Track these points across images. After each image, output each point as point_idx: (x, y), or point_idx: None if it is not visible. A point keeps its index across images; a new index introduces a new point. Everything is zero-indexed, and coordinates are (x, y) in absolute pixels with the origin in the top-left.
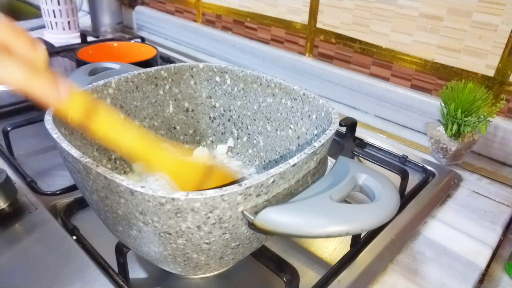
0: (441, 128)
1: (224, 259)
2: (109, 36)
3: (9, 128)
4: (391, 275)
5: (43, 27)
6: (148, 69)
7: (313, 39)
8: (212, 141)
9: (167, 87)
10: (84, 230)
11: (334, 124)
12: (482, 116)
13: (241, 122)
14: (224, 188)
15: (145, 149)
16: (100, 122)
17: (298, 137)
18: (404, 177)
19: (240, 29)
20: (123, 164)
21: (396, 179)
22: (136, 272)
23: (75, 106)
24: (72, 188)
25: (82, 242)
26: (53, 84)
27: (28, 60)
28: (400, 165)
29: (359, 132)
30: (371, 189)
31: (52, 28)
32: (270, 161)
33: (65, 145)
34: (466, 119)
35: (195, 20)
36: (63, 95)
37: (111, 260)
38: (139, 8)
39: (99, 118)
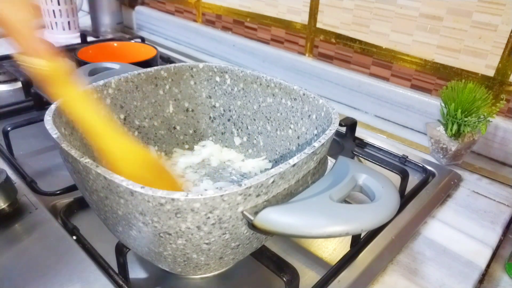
0: (441, 128)
1: (224, 259)
2: (109, 36)
3: (9, 128)
4: (391, 275)
5: (43, 27)
6: (148, 69)
7: (313, 39)
8: (212, 141)
9: (167, 87)
10: (84, 230)
11: (334, 124)
12: (482, 116)
13: (241, 122)
14: (224, 189)
15: (100, 128)
16: (65, 92)
17: (298, 137)
18: (404, 177)
19: (240, 29)
20: None
21: (396, 179)
22: (136, 272)
23: (49, 67)
24: (72, 188)
25: (82, 242)
26: (39, 39)
27: (28, 11)
28: (400, 165)
29: (359, 132)
30: (371, 189)
31: (52, 28)
32: (270, 161)
33: (65, 145)
34: (466, 119)
35: (195, 20)
36: (42, 48)
37: (111, 260)
38: (139, 8)
39: (65, 88)
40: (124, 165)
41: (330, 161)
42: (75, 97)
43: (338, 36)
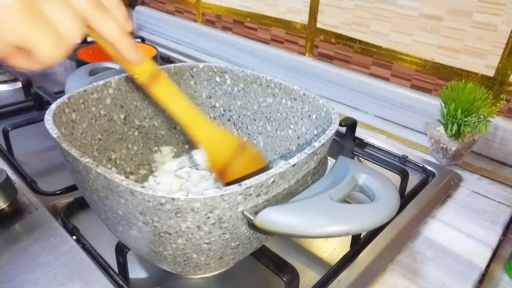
0: (441, 128)
1: (224, 259)
2: None
3: (9, 128)
4: (391, 275)
5: None
6: None
7: (313, 39)
8: None
9: None
10: (84, 230)
11: (334, 124)
12: (482, 116)
13: (241, 122)
14: (224, 188)
15: (189, 117)
16: (159, 88)
17: (298, 137)
18: (404, 177)
19: (240, 29)
20: (123, 164)
21: (396, 179)
22: (136, 272)
23: (145, 69)
24: (72, 188)
25: (82, 242)
26: (136, 46)
27: (119, 21)
28: (400, 165)
29: (359, 132)
30: (371, 189)
31: None
32: (270, 161)
33: (65, 145)
34: (466, 119)
35: (195, 20)
36: (140, 56)
37: (111, 260)
38: (139, 8)
39: (159, 84)
40: (212, 144)
41: (330, 161)
42: (171, 91)
43: (338, 36)
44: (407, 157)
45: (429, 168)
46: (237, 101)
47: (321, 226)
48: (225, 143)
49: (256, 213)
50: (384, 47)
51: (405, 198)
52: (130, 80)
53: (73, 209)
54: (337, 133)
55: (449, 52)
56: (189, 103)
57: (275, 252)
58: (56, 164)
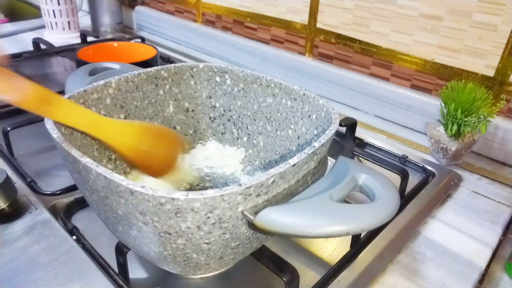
0: (441, 128)
1: (224, 259)
2: (109, 36)
3: (9, 128)
4: (391, 275)
5: (43, 27)
6: (148, 69)
7: (313, 39)
8: (212, 141)
9: (167, 87)
10: (84, 230)
11: (334, 124)
12: (482, 116)
13: (241, 122)
14: (224, 188)
15: (95, 125)
16: (56, 109)
17: (298, 137)
18: (404, 177)
19: (240, 29)
20: (123, 164)
21: (396, 179)
22: (136, 272)
23: (34, 97)
24: (72, 188)
25: (82, 242)
26: (14, 84)
27: None
28: (400, 165)
29: (359, 132)
30: (371, 189)
31: (52, 28)
32: (270, 161)
33: (65, 145)
34: (466, 119)
35: (195, 20)
36: (25, 87)
37: (111, 260)
38: (139, 8)
39: (54, 105)
40: (126, 143)
41: (330, 161)
42: (68, 107)
43: (338, 36)
44: (407, 157)
45: (429, 168)
46: (237, 101)
47: (321, 226)
48: (138, 135)
49: (256, 213)
50: (384, 47)
51: (405, 198)
52: (130, 80)
53: (73, 209)
54: (337, 133)
55: (449, 52)
56: (88, 111)
57: (275, 252)
58: (56, 164)
